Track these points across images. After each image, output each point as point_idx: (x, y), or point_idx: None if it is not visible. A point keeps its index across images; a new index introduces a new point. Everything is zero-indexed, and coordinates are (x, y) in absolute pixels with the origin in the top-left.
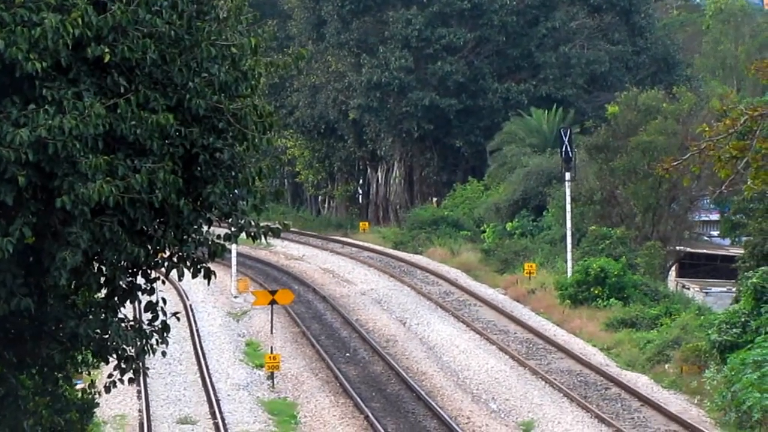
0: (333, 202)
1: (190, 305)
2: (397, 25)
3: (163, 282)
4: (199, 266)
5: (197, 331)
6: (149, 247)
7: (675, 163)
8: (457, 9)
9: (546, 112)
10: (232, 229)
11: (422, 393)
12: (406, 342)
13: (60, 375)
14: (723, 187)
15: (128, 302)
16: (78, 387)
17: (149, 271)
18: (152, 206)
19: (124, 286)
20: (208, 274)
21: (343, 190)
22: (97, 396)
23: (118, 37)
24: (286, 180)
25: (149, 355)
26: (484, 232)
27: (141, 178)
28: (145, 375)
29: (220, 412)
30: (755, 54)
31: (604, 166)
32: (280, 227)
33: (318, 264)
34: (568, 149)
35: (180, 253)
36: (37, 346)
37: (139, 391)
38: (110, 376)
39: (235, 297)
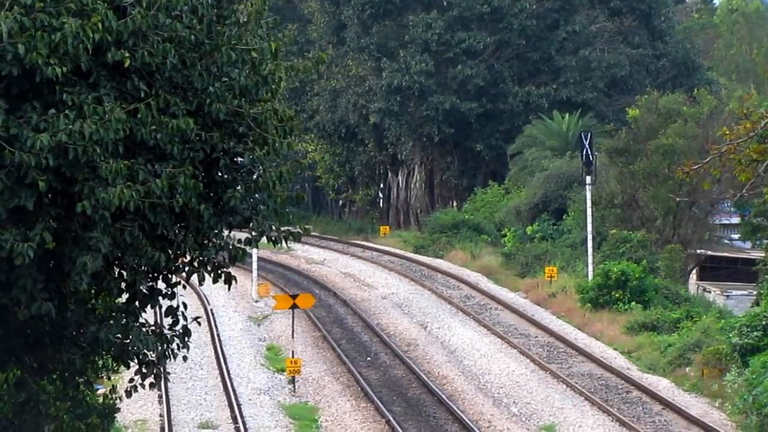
0: (353, 206)
1: (211, 309)
2: (417, 29)
3: (184, 286)
4: (219, 271)
5: (218, 335)
6: (170, 252)
7: (695, 167)
8: (476, 13)
9: (566, 115)
10: (253, 233)
11: (443, 397)
12: (427, 346)
13: (81, 380)
14: (743, 190)
15: (149, 307)
16: (99, 392)
17: (170, 276)
18: (173, 211)
19: (144, 290)
20: (229, 280)
21: (363, 194)
22: (118, 401)
23: (138, 42)
24: (306, 184)
25: (170, 359)
26: (504, 235)
27: (161, 183)
28: (166, 380)
29: (241, 417)
30: None
31: (625, 169)
32: (300, 231)
33: (339, 268)
34: (589, 153)
35: (200, 258)
36: (58, 351)
37: (160, 396)
38: (131, 380)
39: (256, 301)
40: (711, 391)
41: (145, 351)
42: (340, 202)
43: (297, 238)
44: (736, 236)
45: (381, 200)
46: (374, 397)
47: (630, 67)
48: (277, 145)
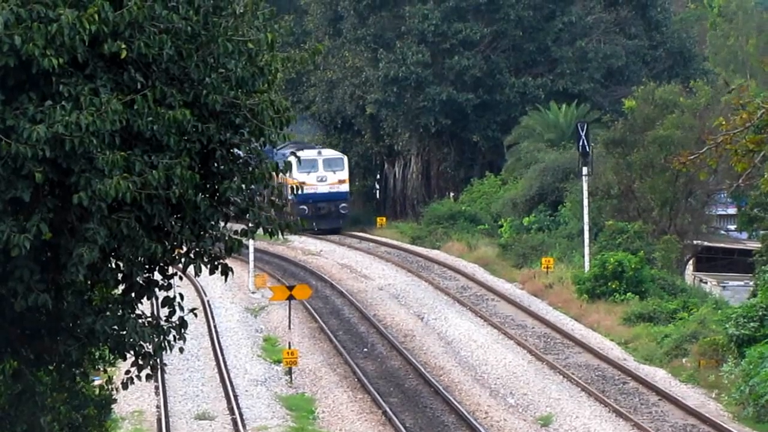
0: (350, 197)
1: (208, 301)
2: (414, 19)
3: (181, 278)
4: (216, 262)
5: (215, 326)
6: (166, 243)
7: (692, 157)
8: (473, 3)
9: (563, 106)
10: (249, 224)
11: (440, 388)
12: (424, 337)
13: (77, 371)
14: (740, 181)
15: (145, 298)
16: (95, 383)
17: (166, 267)
18: (169, 202)
19: (141, 282)
20: (225, 271)
21: (360, 186)
22: (114, 392)
23: (134, 33)
24: None
25: (167, 351)
26: (501, 226)
27: (158, 174)
28: (163, 371)
29: (238, 408)
30: (765, 48)
31: (621, 160)
32: (297, 223)
33: (335, 259)
34: (585, 143)
35: (197, 249)
36: (55, 342)
37: (156, 387)
38: (128, 372)
39: (253, 292)
40: (708, 381)
41: (142, 342)
42: None
43: (293, 229)
44: (733, 227)
45: (377, 191)
46: (371, 389)
47: (626, 57)
48: (273, 136)
